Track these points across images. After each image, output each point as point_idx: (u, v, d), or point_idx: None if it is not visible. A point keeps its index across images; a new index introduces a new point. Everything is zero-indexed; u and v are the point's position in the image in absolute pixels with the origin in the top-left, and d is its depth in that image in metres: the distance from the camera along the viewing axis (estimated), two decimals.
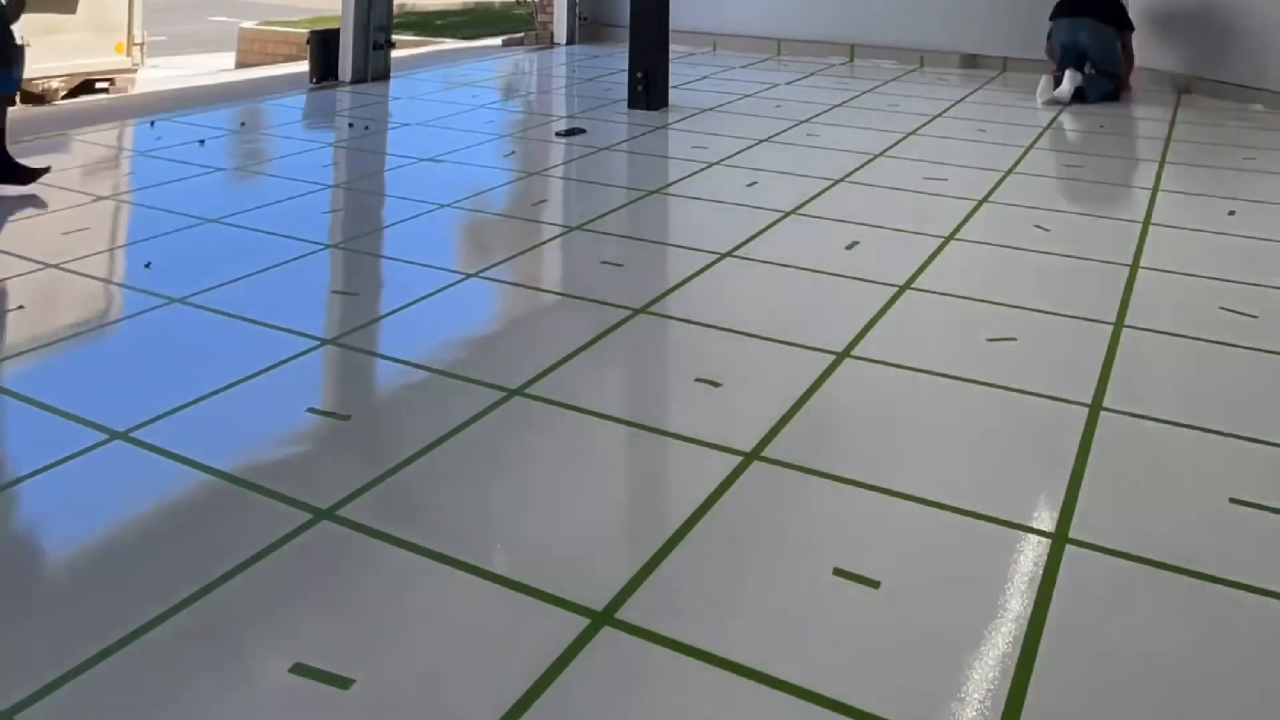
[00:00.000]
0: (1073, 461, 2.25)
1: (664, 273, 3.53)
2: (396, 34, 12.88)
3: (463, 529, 2.02)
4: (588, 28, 9.38)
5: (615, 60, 7.87)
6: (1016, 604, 1.79)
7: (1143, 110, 6.31)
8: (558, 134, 5.54)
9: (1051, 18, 6.75)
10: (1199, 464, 2.27)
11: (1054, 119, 5.97)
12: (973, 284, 3.31)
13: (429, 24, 14.87)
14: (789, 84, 7.16)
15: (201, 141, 5.24)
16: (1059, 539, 1.98)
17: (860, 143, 5.33)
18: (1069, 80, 6.36)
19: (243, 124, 5.83)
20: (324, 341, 2.89)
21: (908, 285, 3.30)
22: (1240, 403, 2.55)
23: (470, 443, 2.34)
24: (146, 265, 3.47)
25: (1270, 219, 4.07)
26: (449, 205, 4.24)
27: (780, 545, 1.96)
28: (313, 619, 1.77)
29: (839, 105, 6.39)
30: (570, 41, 9.19)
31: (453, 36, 12.37)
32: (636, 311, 3.10)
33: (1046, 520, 2.04)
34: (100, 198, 4.29)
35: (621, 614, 1.76)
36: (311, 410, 2.50)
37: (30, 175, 4.32)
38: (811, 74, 7.62)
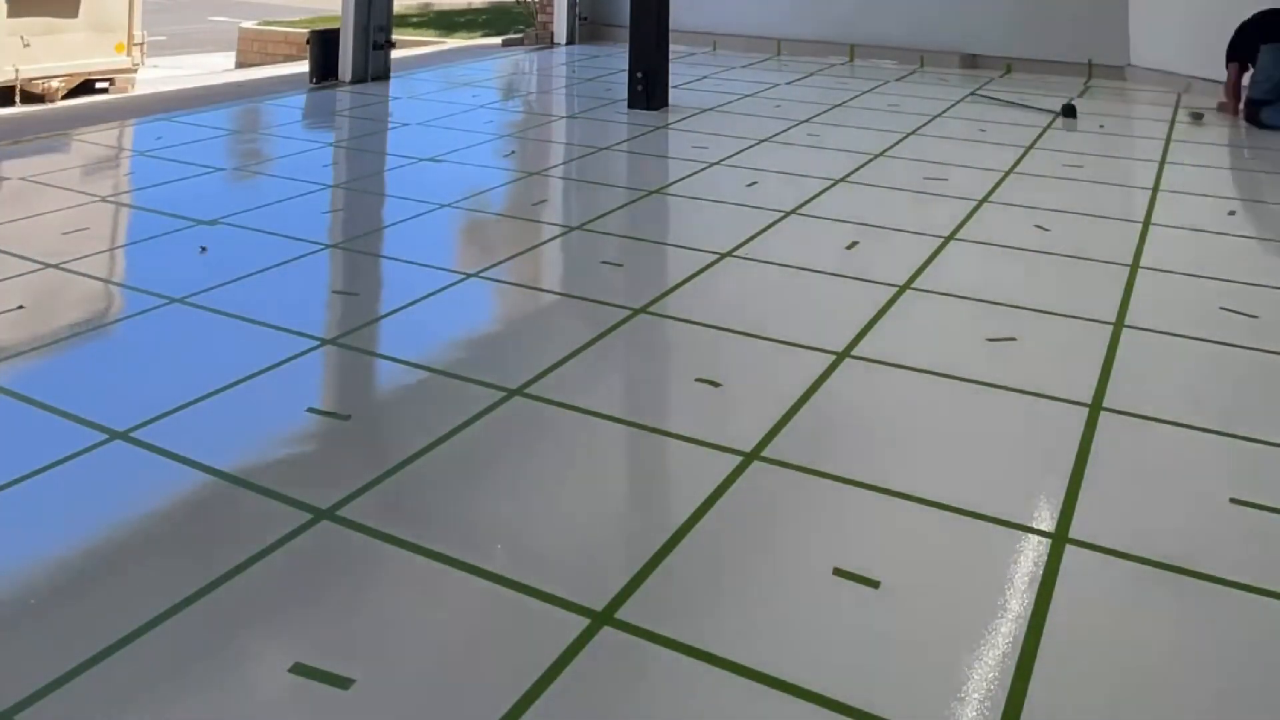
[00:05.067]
0: (1073, 461, 2.25)
1: (664, 273, 3.53)
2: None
3: (463, 529, 2.02)
4: (588, 28, 9.38)
5: (615, 60, 7.87)
6: (1016, 604, 1.79)
7: (1143, 110, 6.30)
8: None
9: (1263, 41, 5.80)
10: (1199, 464, 2.27)
11: (1053, 120, 5.96)
12: (973, 284, 3.31)
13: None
14: (789, 84, 7.16)
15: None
16: (1059, 539, 1.98)
17: (860, 143, 5.33)
18: None
19: (243, 131, 5.83)
20: (324, 341, 2.89)
21: (908, 285, 3.30)
22: (1240, 403, 2.55)
23: (470, 443, 2.34)
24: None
25: (1270, 219, 4.07)
26: (449, 205, 4.24)
27: (780, 545, 1.96)
28: (313, 619, 1.77)
29: (839, 105, 6.39)
30: (570, 41, 9.19)
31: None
32: (636, 311, 3.10)
33: (1046, 520, 2.04)
34: (100, 198, 4.29)
35: (621, 614, 1.76)
36: (311, 410, 2.50)
37: None
38: (811, 74, 7.61)
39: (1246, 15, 6.14)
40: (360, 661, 1.65)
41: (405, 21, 14.84)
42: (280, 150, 5.28)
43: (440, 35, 12.61)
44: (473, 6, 16.72)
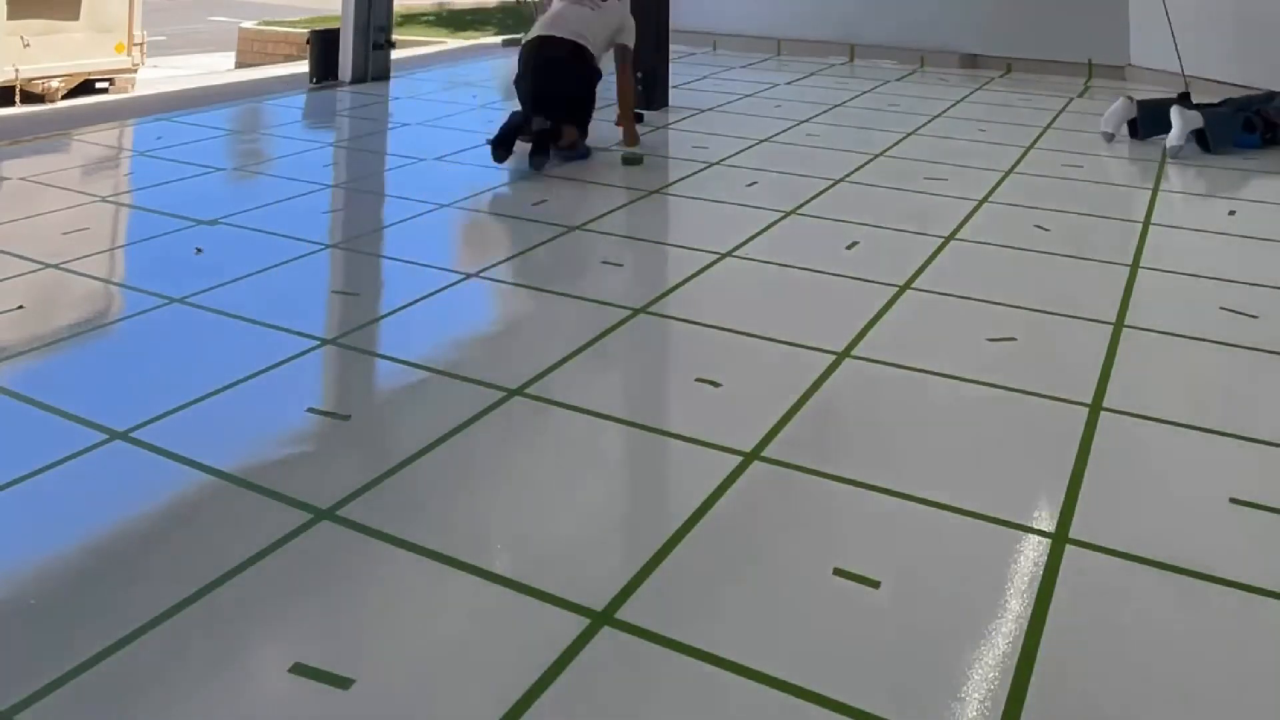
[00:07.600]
0: (1073, 461, 2.25)
1: (664, 273, 3.53)
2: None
3: (463, 529, 2.02)
4: None
5: None
6: (1016, 604, 1.79)
7: None
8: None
9: None
10: (1199, 464, 2.27)
11: (1053, 120, 5.96)
12: (973, 284, 3.31)
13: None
14: (789, 84, 7.16)
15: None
16: (1059, 539, 1.98)
17: (860, 143, 5.33)
18: (1181, 121, 4.89)
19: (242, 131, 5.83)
20: (324, 341, 2.89)
21: (908, 285, 3.30)
22: (1240, 403, 2.55)
23: (470, 442, 2.34)
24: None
25: (1270, 219, 4.07)
26: (449, 205, 4.24)
27: (780, 545, 1.96)
28: (313, 619, 1.77)
29: (839, 105, 6.39)
30: None
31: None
32: (636, 311, 3.10)
33: (1046, 520, 2.04)
34: (100, 198, 4.29)
35: (621, 614, 1.76)
36: (311, 410, 2.50)
37: None
38: (811, 74, 7.61)
39: (1247, 15, 6.14)
40: (360, 661, 1.65)
41: (417, 20, 14.82)
42: (280, 150, 5.28)
43: (449, 34, 12.62)
44: (484, 6, 16.72)
